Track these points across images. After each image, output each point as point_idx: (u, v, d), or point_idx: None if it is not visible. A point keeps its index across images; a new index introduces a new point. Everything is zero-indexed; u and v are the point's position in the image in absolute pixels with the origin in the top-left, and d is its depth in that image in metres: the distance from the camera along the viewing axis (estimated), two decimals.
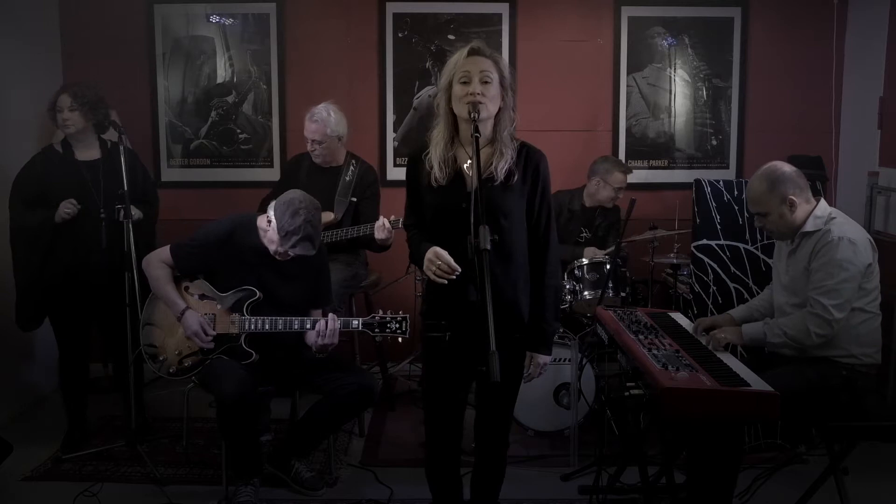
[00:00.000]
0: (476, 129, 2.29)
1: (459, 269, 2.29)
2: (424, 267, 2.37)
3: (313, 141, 3.88)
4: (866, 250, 2.79)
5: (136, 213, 3.55)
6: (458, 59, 2.39)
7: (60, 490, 3.30)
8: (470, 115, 2.30)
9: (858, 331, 2.79)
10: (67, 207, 3.47)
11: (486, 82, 2.35)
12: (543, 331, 2.50)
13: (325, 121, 3.85)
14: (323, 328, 3.10)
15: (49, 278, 3.58)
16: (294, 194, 3.14)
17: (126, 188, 3.43)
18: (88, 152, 3.65)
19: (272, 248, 3.14)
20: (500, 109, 2.40)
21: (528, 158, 2.46)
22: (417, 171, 2.49)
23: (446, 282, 2.30)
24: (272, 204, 3.15)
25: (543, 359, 2.52)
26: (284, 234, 3.05)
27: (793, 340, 2.77)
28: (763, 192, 2.89)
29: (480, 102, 2.32)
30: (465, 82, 2.35)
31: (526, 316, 2.47)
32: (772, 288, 3.13)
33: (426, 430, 2.63)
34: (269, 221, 3.11)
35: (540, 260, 2.49)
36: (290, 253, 3.10)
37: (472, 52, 2.39)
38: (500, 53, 4.75)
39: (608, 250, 4.18)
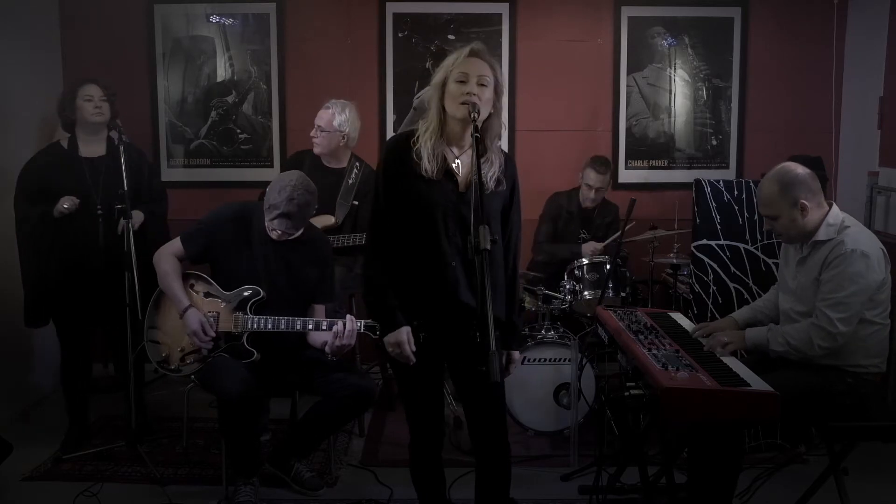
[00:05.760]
0: (476, 129, 2.29)
1: (414, 361, 2.42)
2: (387, 344, 2.44)
3: (318, 127, 3.88)
4: (879, 264, 2.70)
5: (137, 216, 3.55)
6: (456, 57, 2.39)
7: (60, 490, 3.30)
8: (470, 115, 2.30)
9: (867, 342, 2.72)
10: (66, 203, 3.47)
11: (483, 85, 2.35)
12: (515, 327, 2.58)
13: (336, 112, 3.87)
14: (341, 329, 3.07)
15: (53, 276, 3.58)
16: (290, 174, 3.22)
17: (126, 188, 3.43)
18: (95, 148, 3.66)
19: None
20: (490, 115, 2.40)
21: (508, 167, 2.50)
22: (404, 157, 2.42)
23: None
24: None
25: (517, 355, 2.62)
26: (267, 207, 3.14)
27: (795, 350, 2.70)
28: (774, 195, 2.76)
29: (477, 103, 2.31)
30: (461, 81, 2.35)
31: (503, 315, 2.52)
32: (777, 290, 3.07)
33: (410, 429, 2.62)
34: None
35: (511, 262, 2.54)
36: (275, 228, 3.16)
37: (473, 54, 2.38)
38: (500, 53, 4.82)
39: (608, 241, 4.20)
